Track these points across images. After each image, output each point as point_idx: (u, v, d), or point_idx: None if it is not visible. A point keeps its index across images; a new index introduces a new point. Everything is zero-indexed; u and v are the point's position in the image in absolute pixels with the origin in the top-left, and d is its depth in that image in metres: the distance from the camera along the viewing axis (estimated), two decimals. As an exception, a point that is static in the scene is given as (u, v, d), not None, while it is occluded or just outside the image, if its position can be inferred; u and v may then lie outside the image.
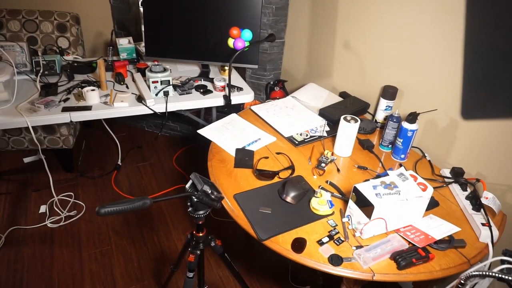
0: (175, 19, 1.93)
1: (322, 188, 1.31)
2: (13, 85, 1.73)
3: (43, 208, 2.19)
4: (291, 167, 1.43)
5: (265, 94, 2.58)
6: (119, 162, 2.60)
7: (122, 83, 1.96)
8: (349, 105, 1.80)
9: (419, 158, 1.54)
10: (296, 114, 1.78)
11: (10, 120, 1.58)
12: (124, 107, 1.75)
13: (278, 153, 1.52)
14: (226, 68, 2.13)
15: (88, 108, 1.71)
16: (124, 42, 2.20)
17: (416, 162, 1.51)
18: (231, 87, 1.87)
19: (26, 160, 2.55)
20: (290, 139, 1.59)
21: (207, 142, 1.60)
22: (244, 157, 1.48)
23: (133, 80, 2.01)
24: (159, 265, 1.92)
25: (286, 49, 2.47)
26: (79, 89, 1.85)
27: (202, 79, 2.03)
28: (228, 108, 1.93)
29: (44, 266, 1.87)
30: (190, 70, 2.18)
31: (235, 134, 1.62)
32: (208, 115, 2.58)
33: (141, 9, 2.66)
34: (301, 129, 1.66)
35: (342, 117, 1.47)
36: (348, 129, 1.46)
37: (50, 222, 2.10)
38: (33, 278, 1.81)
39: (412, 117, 1.41)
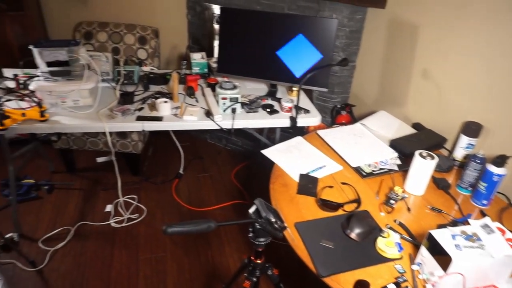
0: (249, 38, 1.97)
1: (390, 228, 1.22)
2: (97, 92, 1.87)
3: (108, 207, 2.32)
4: (357, 201, 1.36)
5: (331, 117, 2.52)
6: (181, 171, 2.68)
7: (192, 96, 2.02)
8: (424, 139, 1.68)
9: (505, 206, 1.38)
10: (365, 143, 1.70)
11: (91, 124, 1.70)
12: (193, 120, 1.80)
13: (343, 183, 1.45)
14: (294, 89, 2.11)
15: (159, 119, 1.78)
16: (197, 57, 2.29)
17: (501, 211, 1.35)
18: (298, 109, 1.84)
19: (99, 160, 2.73)
20: (358, 170, 1.52)
21: (267, 160, 1.58)
22: (307, 184, 1.43)
23: (203, 94, 2.07)
24: (210, 281, 1.93)
25: (357, 72, 2.39)
26: (153, 99, 1.94)
27: (269, 98, 2.04)
28: (293, 130, 1.90)
29: (104, 264, 1.97)
30: (258, 88, 2.19)
31: (299, 158, 1.58)
32: (271, 133, 2.58)
33: (215, 26, 2.76)
34: (370, 160, 1.57)
35: (417, 152, 1.37)
36: (424, 166, 1.35)
37: (113, 222, 2.22)
38: (93, 274, 1.91)
39: (501, 160, 1.27)
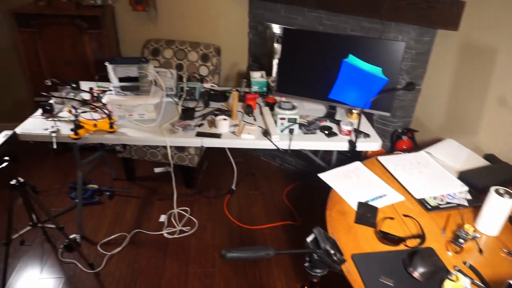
0: (309, 58, 1.95)
1: (459, 271, 1.12)
2: (161, 106, 1.95)
3: (162, 218, 2.39)
4: (421, 236, 1.26)
5: (390, 142, 2.41)
6: (233, 187, 2.71)
7: (250, 114, 2.04)
8: (499, 172, 1.54)
9: None
10: (430, 173, 1.59)
11: (154, 138, 1.78)
12: (250, 139, 1.81)
13: (405, 216, 1.36)
14: (354, 111, 2.05)
15: (218, 136, 1.82)
16: (257, 76, 2.32)
17: None
18: (358, 132, 1.78)
19: (156, 170, 2.85)
20: (422, 202, 1.42)
21: (320, 182, 1.54)
22: (366, 213, 1.36)
23: (261, 113, 2.08)
24: (257, 301, 1.90)
25: (422, 96, 2.27)
26: (213, 116, 1.99)
27: (327, 120, 2.00)
28: (351, 154, 1.84)
29: (156, 273, 2.02)
30: (316, 109, 2.16)
31: (358, 185, 1.52)
32: (326, 155, 2.52)
33: (276, 45, 2.80)
34: (436, 192, 1.47)
35: (493, 189, 1.25)
36: (500, 205, 1.23)
37: (166, 232, 2.28)
38: (145, 281, 1.96)
39: None
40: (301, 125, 1.90)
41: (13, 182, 1.68)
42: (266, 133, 1.84)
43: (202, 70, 2.74)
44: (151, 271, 2.03)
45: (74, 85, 2.16)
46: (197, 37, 2.95)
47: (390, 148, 2.42)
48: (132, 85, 1.79)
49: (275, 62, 2.84)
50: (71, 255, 2.09)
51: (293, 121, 1.84)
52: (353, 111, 2.06)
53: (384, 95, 1.83)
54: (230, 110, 2.07)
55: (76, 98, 2.02)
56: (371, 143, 1.85)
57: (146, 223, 2.35)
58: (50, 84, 1.86)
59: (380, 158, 1.70)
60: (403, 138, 2.34)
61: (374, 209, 1.38)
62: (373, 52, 1.82)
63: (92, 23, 2.51)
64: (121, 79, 1.77)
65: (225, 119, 1.86)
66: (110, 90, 1.84)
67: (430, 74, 2.20)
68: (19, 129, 1.76)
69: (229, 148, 2.78)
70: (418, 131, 2.29)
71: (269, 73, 2.87)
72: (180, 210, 2.46)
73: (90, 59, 2.63)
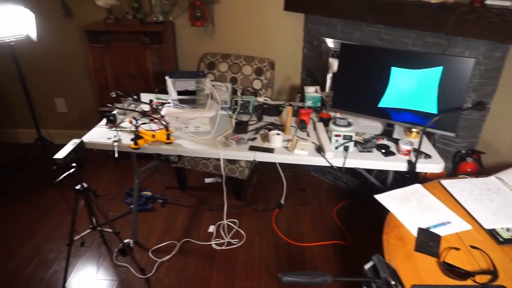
0: (367, 74, 1.89)
1: (540, 315, 0.99)
2: (216, 119, 1.99)
3: (211, 228, 2.42)
4: (493, 272, 1.15)
5: (452, 163, 2.26)
6: (282, 201, 2.68)
7: (304, 130, 2.02)
8: None
9: None
10: (502, 201, 1.45)
11: (208, 150, 1.81)
12: (303, 155, 1.78)
13: (473, 247, 1.25)
14: (414, 130, 1.95)
15: (271, 150, 1.81)
16: (311, 91, 2.29)
17: None
18: (419, 153, 1.68)
19: (207, 180, 2.90)
20: (492, 233, 1.30)
21: (373, 201, 1.46)
22: (427, 241, 1.27)
23: (314, 128, 2.04)
24: (304, 323, 1.84)
25: (491, 116, 2.11)
26: (266, 130, 1.99)
27: (385, 138, 1.91)
28: (409, 175, 1.74)
29: (203, 283, 2.03)
30: (372, 126, 2.08)
31: (418, 210, 1.43)
32: (381, 174, 2.41)
33: (330, 59, 2.75)
34: (509, 223, 1.33)
35: None
36: None
37: (214, 243, 2.30)
38: (192, 292, 1.99)
39: None
40: (356, 143, 1.84)
41: (78, 187, 1.80)
42: (319, 150, 1.80)
43: (256, 83, 2.77)
44: (198, 281, 2.05)
45: (135, 97, 2.28)
46: (251, 51, 3.00)
47: (452, 170, 2.26)
48: (190, 98, 1.85)
49: (329, 76, 2.79)
50: (124, 259, 2.17)
51: (348, 138, 1.78)
52: (413, 129, 1.96)
53: (449, 114, 1.72)
54: (283, 125, 2.06)
55: (137, 110, 2.12)
56: (432, 165, 1.74)
57: (195, 232, 2.39)
58: (114, 96, 1.98)
59: (444, 181, 1.59)
60: (467, 160, 2.17)
61: (436, 237, 1.29)
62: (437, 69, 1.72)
63: (154, 38, 2.65)
64: (179, 93, 1.84)
65: (278, 134, 1.85)
66: (168, 103, 1.92)
67: (501, 92, 2.03)
68: (86, 138, 1.88)
69: (280, 162, 2.76)
70: (485, 153, 2.12)
71: (323, 88, 2.83)
72: (229, 221, 2.48)
73: (150, 72, 2.77)
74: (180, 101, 1.86)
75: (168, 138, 1.83)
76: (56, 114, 3.35)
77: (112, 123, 2.00)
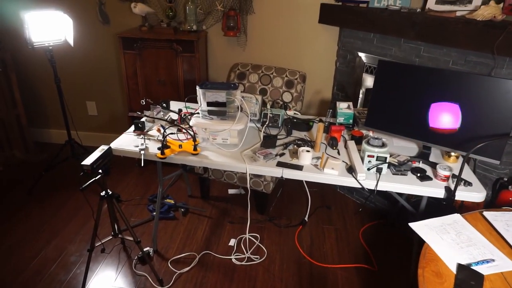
0: (404, 93, 1.80)
1: None
2: (244, 132, 1.95)
3: (232, 242, 2.37)
4: (545, 322, 1.03)
5: (491, 191, 2.11)
6: (306, 218, 2.59)
7: (334, 147, 1.94)
8: None
9: None
10: (553, 240, 1.32)
11: (235, 164, 1.76)
12: (333, 175, 1.70)
13: (521, 291, 1.13)
14: (453, 154, 1.84)
15: (299, 167, 1.74)
16: (343, 106, 2.22)
17: None
18: (459, 180, 1.57)
19: (230, 192, 2.86)
20: (543, 277, 1.17)
21: (403, 227, 1.36)
22: (468, 280, 1.16)
23: (346, 147, 1.97)
24: None
25: (538, 143, 1.96)
26: (295, 146, 1.93)
27: (420, 161, 1.81)
28: (446, 202, 1.62)
29: (221, 300, 1.98)
30: (407, 147, 1.98)
31: (458, 243, 1.32)
32: (412, 197, 2.29)
33: (364, 75, 2.67)
34: (562, 266, 1.21)
35: None
36: None
37: (234, 258, 2.24)
38: (210, 308, 1.93)
39: None
40: (390, 165, 1.74)
41: (102, 193, 1.79)
42: (350, 170, 1.72)
43: (286, 96, 2.72)
44: (216, 297, 2.00)
45: (164, 105, 2.28)
46: (283, 63, 2.96)
47: (491, 198, 2.12)
48: (219, 110, 1.81)
49: (362, 92, 2.71)
50: (143, 267, 2.15)
51: (382, 159, 1.69)
52: (452, 153, 1.84)
53: (493, 141, 1.61)
54: (313, 141, 1.99)
55: (165, 119, 2.11)
56: (472, 193, 1.62)
57: (215, 245, 2.34)
58: (144, 103, 1.98)
59: (486, 213, 1.47)
60: (509, 189, 2.03)
61: (478, 276, 1.18)
62: (481, 91, 1.61)
63: (186, 47, 2.65)
64: (209, 104, 1.81)
65: (308, 151, 1.78)
66: (197, 113, 1.89)
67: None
68: (113, 144, 1.88)
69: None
70: (530, 183, 1.97)
71: (355, 104, 2.75)
72: (250, 236, 2.42)
73: (180, 80, 2.77)
74: (210, 112, 1.83)
75: (195, 149, 1.80)
76: (87, 117, 3.41)
77: (140, 130, 2.00)
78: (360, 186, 1.68)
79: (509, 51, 1.82)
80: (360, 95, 2.72)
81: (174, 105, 2.36)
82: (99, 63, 3.16)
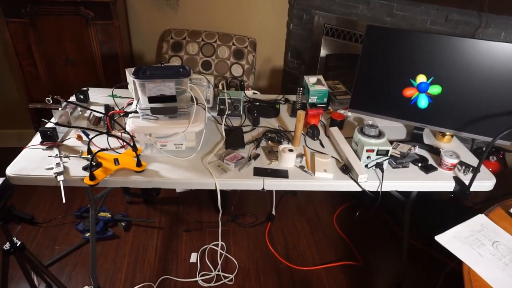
0: (399, 66, 1.47)
1: None
2: (203, 131, 1.47)
3: (193, 257, 1.94)
4: None
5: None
6: (273, 211, 2.26)
7: (315, 138, 1.57)
8: None
9: None
10: None
11: (199, 180, 1.30)
12: (328, 179, 1.34)
13: None
14: (447, 134, 1.59)
15: (283, 174, 1.35)
16: (313, 81, 1.83)
17: None
18: (477, 170, 1.32)
19: (179, 190, 2.38)
20: None
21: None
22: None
23: (327, 135, 1.61)
24: None
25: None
26: (269, 142, 1.51)
27: (416, 146, 1.52)
28: (459, 196, 1.38)
29: None
30: (392, 127, 1.69)
31: (499, 258, 1.07)
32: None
33: (324, 38, 2.29)
34: None
35: None
36: None
37: (201, 279, 1.83)
38: None
39: None
40: (390, 156, 1.43)
41: (6, 246, 1.21)
42: (346, 169, 1.37)
43: (235, 69, 2.24)
44: (187, 336, 1.60)
45: (81, 97, 1.66)
46: (226, 27, 2.43)
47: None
48: (168, 107, 1.30)
49: (321, 58, 2.34)
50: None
51: (383, 153, 1.37)
52: (447, 133, 1.60)
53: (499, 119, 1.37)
54: (286, 131, 1.59)
55: (89, 119, 1.52)
56: (483, 182, 1.40)
57: (174, 265, 1.90)
58: (51, 102, 1.36)
59: (512, 210, 1.25)
60: (491, 159, 1.89)
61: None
62: (489, 57, 1.33)
63: (99, 12, 1.97)
64: (152, 99, 1.28)
65: (291, 150, 1.38)
66: (136, 112, 1.35)
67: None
68: (11, 170, 1.27)
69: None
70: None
71: (313, 72, 2.38)
72: (213, 245, 2.02)
73: (97, 57, 2.11)
74: (154, 110, 1.30)
75: (138, 164, 1.29)
76: (-32, 111, 2.55)
77: (51, 141, 1.40)
78: (360, 190, 1.35)
79: (502, 7, 1.57)
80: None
81: (96, 94, 1.74)
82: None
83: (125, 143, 1.36)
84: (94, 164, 1.24)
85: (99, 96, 1.75)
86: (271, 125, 1.66)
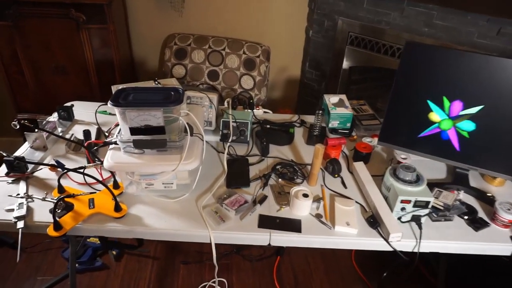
0: (444, 93, 1.18)
1: None
2: (199, 168, 1.21)
3: (190, 296, 1.71)
4: None
5: None
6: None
7: (336, 175, 1.30)
8: None
9: None
10: None
11: (190, 231, 1.05)
12: (351, 235, 1.07)
13: None
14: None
15: (295, 225, 1.08)
16: (335, 101, 1.56)
17: None
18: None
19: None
20: None
21: None
22: None
23: (350, 170, 1.34)
24: None
25: None
26: (280, 180, 1.25)
27: (461, 192, 1.23)
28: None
29: None
30: (428, 161, 1.40)
31: None
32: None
33: (348, 48, 2.01)
34: None
35: None
36: None
37: (197, 326, 1.60)
38: None
39: None
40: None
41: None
42: (374, 222, 1.10)
43: (245, 81, 1.98)
44: None
45: (64, 114, 1.44)
46: (236, 33, 2.17)
47: None
48: (154, 140, 1.05)
49: (343, 70, 2.06)
50: None
51: (422, 205, 1.09)
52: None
53: None
54: (300, 165, 1.33)
55: (55, 163, 1.29)
56: (548, 244, 1.10)
57: (167, 306, 1.67)
58: (17, 127, 1.13)
59: None
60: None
61: None
62: None
63: (92, 14, 1.74)
64: (133, 130, 1.03)
65: (306, 196, 1.12)
66: (115, 143, 1.10)
67: None
68: (-38, 212, 1.04)
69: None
70: None
71: (334, 87, 2.10)
72: (213, 283, 1.77)
73: (90, 65, 1.88)
74: (136, 143, 1.05)
75: (117, 208, 1.05)
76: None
77: (19, 172, 1.17)
78: (392, 249, 1.08)
79: None
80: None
81: (83, 109, 1.51)
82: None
83: (101, 180, 1.12)
84: (60, 209, 1.00)
85: (86, 112, 1.52)
86: (283, 154, 1.40)
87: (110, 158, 1.06)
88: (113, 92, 1.30)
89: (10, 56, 1.83)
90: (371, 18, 1.83)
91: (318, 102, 2.14)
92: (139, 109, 0.99)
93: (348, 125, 1.52)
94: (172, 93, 1.06)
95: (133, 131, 1.03)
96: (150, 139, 1.05)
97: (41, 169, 1.21)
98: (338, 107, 1.52)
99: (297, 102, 2.43)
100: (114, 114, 1.51)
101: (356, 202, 1.19)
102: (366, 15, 1.85)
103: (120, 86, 1.31)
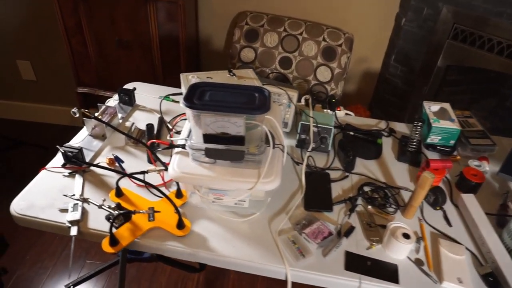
0: None
1: None
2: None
3: (239, 305, 1.57)
4: None
5: None
6: None
7: (438, 207, 1.05)
8: None
9: None
10: None
11: (263, 264, 0.87)
12: (463, 295, 0.84)
13: None
14: None
15: (392, 273, 0.87)
16: (435, 110, 1.28)
17: None
18: None
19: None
20: None
21: None
22: None
23: (452, 200, 1.08)
24: None
25: None
26: (369, 207, 1.03)
27: None
28: None
29: None
30: None
31: None
32: None
33: (448, 42, 1.68)
34: None
35: None
36: None
37: None
38: None
39: None
40: None
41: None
42: (495, 284, 0.86)
43: (322, 73, 1.75)
44: None
45: (126, 98, 1.30)
46: (315, 15, 1.91)
47: None
48: (231, 151, 0.86)
49: (437, 68, 1.75)
50: None
51: None
52: None
53: None
54: (394, 188, 1.10)
55: (131, 136, 1.15)
56: None
57: (214, 312, 1.55)
58: (77, 116, 0.99)
59: None
60: None
61: None
62: None
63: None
64: (208, 137, 0.85)
65: (407, 237, 0.89)
66: (183, 147, 0.93)
67: None
68: (17, 206, 0.94)
69: None
70: None
71: (420, 83, 1.80)
72: (266, 293, 1.63)
73: (154, 41, 1.73)
74: (209, 152, 0.88)
75: (180, 225, 0.89)
76: (21, 82, 2.36)
77: (76, 164, 1.05)
78: (516, 323, 0.83)
79: None
80: (434, 74, 1.77)
81: (145, 93, 1.37)
82: (34, 9, 2.03)
83: (166, 195, 0.97)
84: (117, 221, 0.86)
85: (148, 97, 1.37)
86: (369, 171, 1.17)
87: (176, 166, 0.89)
88: (182, 81, 1.13)
89: (74, 27, 1.72)
90: (488, 8, 1.49)
91: (419, 113, 1.85)
92: (218, 114, 0.81)
93: (452, 142, 1.25)
94: (257, 95, 0.86)
95: (207, 138, 0.85)
96: (225, 149, 0.87)
97: (98, 163, 1.08)
98: (441, 120, 1.25)
99: (372, 99, 2.15)
100: (178, 102, 1.35)
101: (467, 249, 0.95)
102: (482, 4, 1.51)
103: (190, 76, 1.14)
